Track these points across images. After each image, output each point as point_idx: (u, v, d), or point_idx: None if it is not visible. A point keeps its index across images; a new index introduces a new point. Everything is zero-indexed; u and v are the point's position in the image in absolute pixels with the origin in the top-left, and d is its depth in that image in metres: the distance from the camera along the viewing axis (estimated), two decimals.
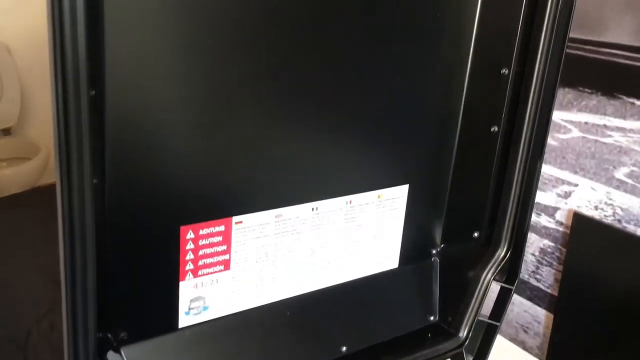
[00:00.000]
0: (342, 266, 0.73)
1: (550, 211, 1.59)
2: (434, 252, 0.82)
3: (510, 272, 0.79)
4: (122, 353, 0.58)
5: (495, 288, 0.80)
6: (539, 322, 1.69)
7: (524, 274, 1.71)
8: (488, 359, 0.81)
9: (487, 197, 0.79)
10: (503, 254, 0.79)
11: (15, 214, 1.94)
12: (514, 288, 0.80)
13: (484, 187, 0.79)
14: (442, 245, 0.82)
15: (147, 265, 0.58)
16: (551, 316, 1.65)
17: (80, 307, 0.48)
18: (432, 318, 0.81)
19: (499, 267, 0.79)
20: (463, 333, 0.79)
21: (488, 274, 0.79)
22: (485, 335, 0.81)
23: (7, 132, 2.42)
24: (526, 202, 0.78)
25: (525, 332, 1.72)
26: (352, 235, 0.72)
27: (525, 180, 0.77)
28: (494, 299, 0.81)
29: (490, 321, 0.80)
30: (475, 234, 0.80)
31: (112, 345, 0.58)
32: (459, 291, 0.80)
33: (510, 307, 1.80)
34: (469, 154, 0.78)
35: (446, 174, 0.79)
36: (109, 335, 0.58)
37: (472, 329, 0.79)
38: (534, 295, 1.70)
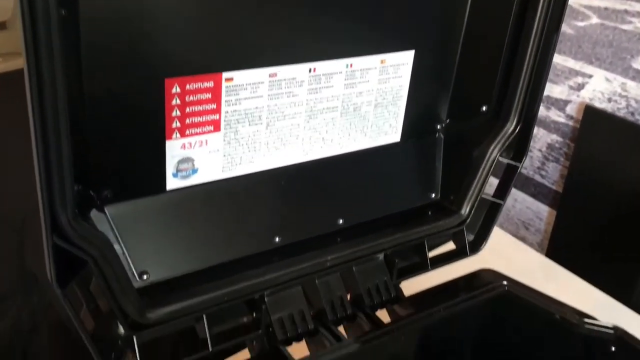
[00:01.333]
0: (341, 136, 0.69)
1: (561, 105, 1.54)
2: (438, 127, 0.77)
3: (518, 148, 0.75)
4: (107, 212, 0.55)
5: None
6: (540, 219, 1.68)
7: (528, 171, 1.68)
8: (489, 238, 0.79)
9: (498, 68, 0.73)
10: (512, 128, 0.74)
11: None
12: (520, 165, 0.76)
13: (496, 58, 0.74)
14: (448, 121, 0.77)
15: (129, 120, 0.54)
16: (554, 213, 1.64)
17: (54, 151, 0.44)
18: (433, 195, 0.78)
19: (507, 143, 0.75)
20: (465, 210, 0.76)
21: (495, 149, 0.75)
22: (488, 214, 0.79)
23: (2, 26, 2.33)
24: (539, 75, 0.73)
25: (527, 228, 1.71)
26: (352, 103, 0.68)
27: (540, 52, 0.71)
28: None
29: (493, 199, 0.77)
30: (484, 108, 0.75)
31: (96, 203, 0.55)
32: (463, 168, 0.77)
33: (512, 203, 1.79)
34: (481, 20, 0.72)
35: (456, 41, 0.73)
36: (92, 192, 0.54)
37: (475, 206, 0.76)
38: (538, 191, 1.68)
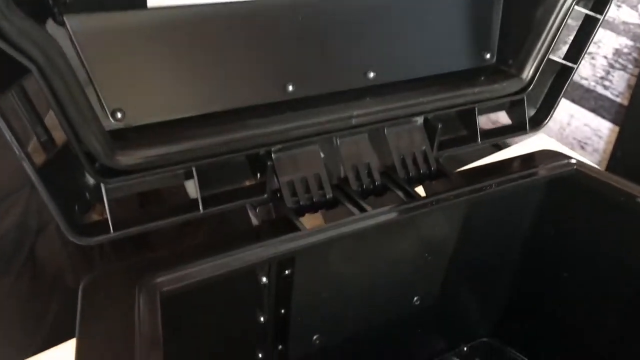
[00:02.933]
0: None
1: (634, 1, 1.34)
2: None
3: None
4: (67, 23, 0.43)
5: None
6: (600, 137, 1.51)
7: (589, 81, 1.50)
8: (554, 111, 0.64)
9: None
10: None
11: None
12: (602, 19, 0.60)
13: None
14: None
15: None
16: (616, 129, 1.46)
17: None
18: (488, 56, 0.63)
19: None
20: (527, 74, 0.61)
21: None
22: (555, 82, 0.64)
23: None
24: None
25: (583, 148, 1.54)
26: None
27: None
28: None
29: (564, 62, 0.62)
30: None
31: (52, 11, 0.43)
32: (526, 22, 0.61)
33: (567, 120, 1.61)
34: None
35: None
36: None
37: (540, 70, 0.61)
38: (599, 105, 1.50)
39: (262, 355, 0.55)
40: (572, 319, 0.66)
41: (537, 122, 0.64)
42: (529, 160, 0.62)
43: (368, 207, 0.51)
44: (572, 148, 1.57)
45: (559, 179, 0.58)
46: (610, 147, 1.48)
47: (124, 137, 0.46)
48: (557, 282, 0.64)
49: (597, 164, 1.52)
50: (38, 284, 1.00)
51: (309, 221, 0.51)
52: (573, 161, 0.59)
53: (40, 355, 0.63)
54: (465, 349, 0.75)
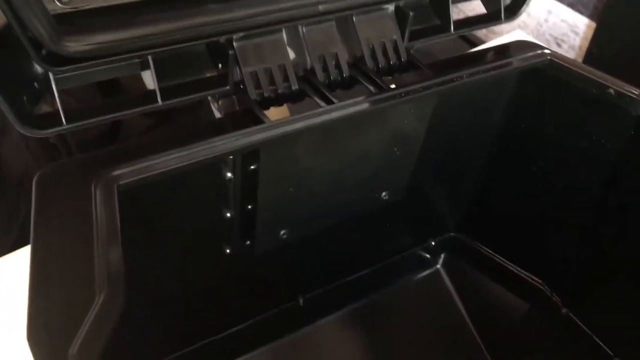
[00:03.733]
0: None
1: None
2: None
3: None
4: None
5: None
6: (576, 34, 1.48)
7: None
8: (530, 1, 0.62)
9: None
10: None
11: None
12: None
13: None
14: None
15: None
16: (593, 25, 1.44)
17: None
18: None
19: None
20: None
21: None
22: None
23: None
24: None
25: (559, 45, 1.52)
26: None
27: None
28: None
29: None
30: None
31: None
32: None
33: (545, 16, 1.57)
34: None
35: None
36: None
37: None
38: (577, 0, 1.47)
39: (229, 251, 0.55)
40: (540, 214, 0.67)
41: (513, 12, 0.61)
42: (502, 51, 0.60)
43: (335, 100, 0.49)
44: (549, 45, 1.55)
45: (533, 70, 0.57)
46: (586, 43, 1.46)
47: (72, 21, 0.43)
48: (526, 176, 0.64)
49: None
50: (4, 186, 0.98)
51: (275, 115, 0.49)
52: (547, 52, 0.58)
53: (11, 255, 0.63)
54: (433, 243, 0.76)
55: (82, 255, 0.36)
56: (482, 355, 0.73)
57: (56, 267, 0.37)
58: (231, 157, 0.47)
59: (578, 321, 0.65)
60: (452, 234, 0.76)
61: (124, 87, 0.90)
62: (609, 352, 0.62)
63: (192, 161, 0.43)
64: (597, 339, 0.63)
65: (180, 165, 0.42)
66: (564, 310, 0.67)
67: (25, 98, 0.42)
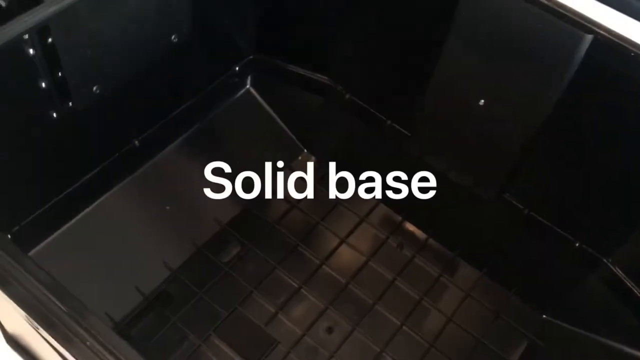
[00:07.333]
0: None
1: None
2: None
3: None
4: None
5: None
6: None
7: None
8: None
9: None
10: None
11: None
12: None
13: None
14: None
15: None
16: None
17: None
18: None
19: None
20: None
21: None
22: None
23: None
24: None
25: None
26: None
27: None
28: None
29: None
30: None
31: None
32: None
33: None
34: None
35: None
36: None
37: None
38: None
39: (56, 115, 0.65)
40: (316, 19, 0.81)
41: None
42: None
43: None
44: None
45: None
46: None
47: None
48: None
49: None
50: None
51: None
52: None
53: None
54: (237, 68, 0.89)
55: None
56: (300, 151, 0.91)
57: None
58: (26, 36, 0.56)
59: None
60: (251, 57, 0.90)
61: None
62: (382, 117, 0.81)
63: None
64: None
65: None
66: (347, 96, 0.84)
67: None
